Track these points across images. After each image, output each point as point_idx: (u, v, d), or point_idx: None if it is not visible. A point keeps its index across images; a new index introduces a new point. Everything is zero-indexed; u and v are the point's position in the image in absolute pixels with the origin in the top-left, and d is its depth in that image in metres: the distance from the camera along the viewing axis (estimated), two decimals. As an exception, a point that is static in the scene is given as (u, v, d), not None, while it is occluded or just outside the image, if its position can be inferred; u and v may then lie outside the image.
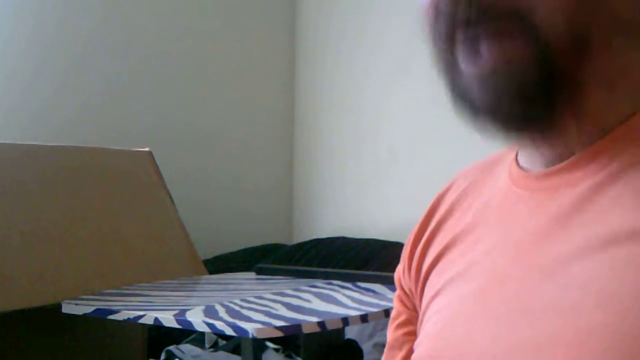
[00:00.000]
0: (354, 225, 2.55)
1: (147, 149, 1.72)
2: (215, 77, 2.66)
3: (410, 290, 0.67)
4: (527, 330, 0.48)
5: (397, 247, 2.40)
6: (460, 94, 0.52)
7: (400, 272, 0.69)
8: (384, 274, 1.35)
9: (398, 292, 0.69)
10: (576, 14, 0.47)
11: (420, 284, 0.64)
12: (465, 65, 0.50)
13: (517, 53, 0.48)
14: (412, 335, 0.65)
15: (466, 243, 0.59)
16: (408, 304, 0.67)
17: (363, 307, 1.08)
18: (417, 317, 0.65)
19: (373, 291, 1.24)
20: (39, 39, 2.23)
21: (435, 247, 0.63)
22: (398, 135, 2.47)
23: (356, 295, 1.20)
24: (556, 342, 0.45)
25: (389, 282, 1.30)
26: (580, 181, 0.50)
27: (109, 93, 2.37)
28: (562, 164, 0.52)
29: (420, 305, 0.64)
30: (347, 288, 1.28)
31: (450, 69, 0.52)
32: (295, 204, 2.87)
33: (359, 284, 1.31)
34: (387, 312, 1.08)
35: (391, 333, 0.69)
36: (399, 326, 0.68)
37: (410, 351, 0.64)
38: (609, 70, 0.49)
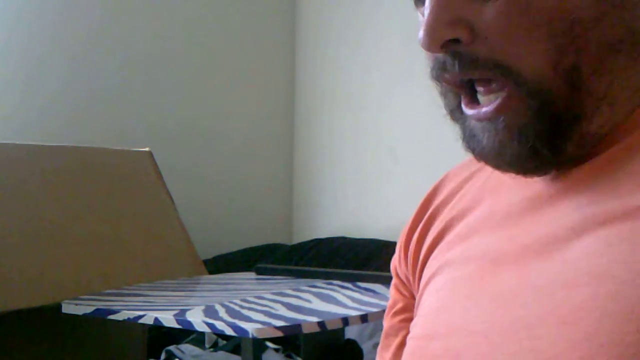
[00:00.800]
0: (354, 225, 2.55)
1: (147, 149, 1.72)
2: (215, 76, 2.66)
3: (406, 277, 0.67)
4: (519, 309, 0.48)
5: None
6: (467, 137, 0.52)
7: (395, 261, 0.69)
8: (384, 274, 1.35)
9: (394, 280, 0.69)
10: (561, 61, 0.47)
11: (418, 269, 0.64)
12: (467, 111, 0.51)
13: (510, 101, 0.48)
14: (409, 322, 0.65)
15: (462, 225, 0.60)
16: (405, 292, 0.68)
17: (363, 307, 1.08)
18: (412, 304, 0.65)
19: (373, 291, 1.24)
20: (39, 39, 2.23)
21: (432, 232, 0.63)
22: (398, 136, 2.47)
23: (356, 295, 1.20)
24: (548, 320, 0.45)
25: (389, 282, 1.30)
26: (578, 166, 0.50)
27: (109, 93, 2.37)
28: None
29: (417, 290, 0.64)
30: (347, 288, 1.28)
31: (455, 114, 0.53)
32: (295, 204, 2.87)
33: (359, 284, 1.31)
34: (387, 312, 1.08)
35: (387, 321, 0.69)
36: (395, 314, 0.68)
37: (405, 337, 0.64)
38: (607, 91, 0.48)
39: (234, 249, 2.51)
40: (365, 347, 1.69)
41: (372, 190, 2.56)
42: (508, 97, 0.48)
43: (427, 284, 0.61)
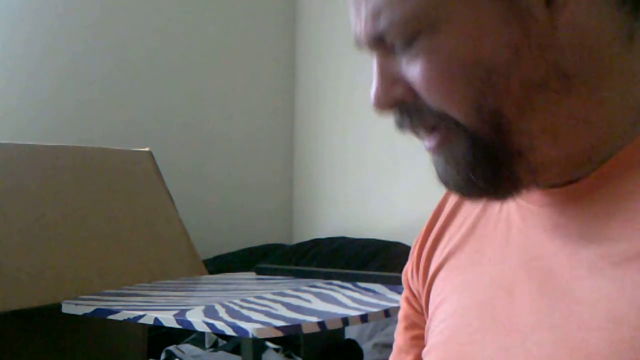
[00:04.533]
0: (354, 225, 2.55)
1: (147, 149, 1.72)
2: (215, 76, 2.66)
3: (417, 292, 0.67)
4: (536, 349, 0.48)
5: (397, 247, 2.39)
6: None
7: (408, 273, 0.68)
8: (384, 274, 1.35)
9: (406, 292, 0.69)
10: (483, 105, 0.49)
11: (426, 287, 0.64)
12: (424, 145, 0.55)
13: (446, 139, 0.51)
14: (420, 339, 0.65)
15: (472, 251, 0.59)
16: (416, 306, 0.67)
17: (363, 307, 1.08)
18: (424, 320, 0.65)
19: (373, 291, 1.24)
20: (39, 38, 2.23)
21: (440, 250, 0.63)
22: (399, 135, 2.46)
23: (356, 295, 1.20)
24: None
25: (389, 282, 1.30)
26: (591, 198, 0.50)
27: (109, 92, 2.37)
28: (574, 185, 0.52)
29: (426, 308, 0.64)
30: (347, 288, 1.28)
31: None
32: (295, 204, 2.87)
33: (359, 284, 1.31)
34: (387, 312, 1.08)
35: (399, 334, 0.69)
36: (407, 329, 0.68)
37: (418, 356, 0.64)
38: (544, 126, 0.49)
39: (234, 249, 2.51)
40: (365, 347, 1.69)
41: (373, 190, 2.56)
42: (445, 135, 0.51)
43: (436, 308, 0.61)
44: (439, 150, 0.52)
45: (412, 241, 0.68)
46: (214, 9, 2.65)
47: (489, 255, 0.57)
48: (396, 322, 0.71)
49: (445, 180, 0.54)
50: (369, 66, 0.57)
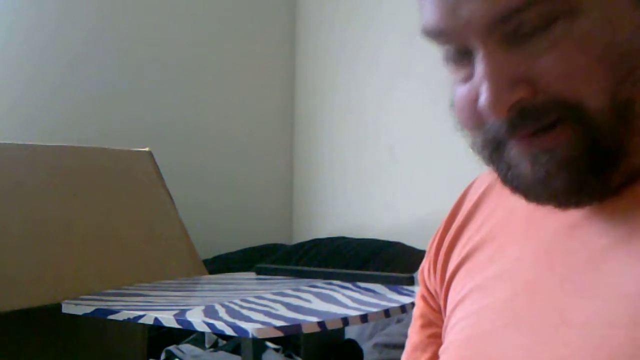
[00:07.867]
0: (354, 225, 2.55)
1: (147, 149, 1.72)
2: (215, 76, 2.65)
3: (435, 290, 0.66)
4: (562, 348, 0.48)
5: (397, 247, 2.39)
6: (506, 169, 0.52)
7: (425, 272, 0.68)
8: (384, 274, 1.35)
9: (422, 291, 0.69)
10: (619, 94, 0.47)
11: (445, 286, 0.64)
12: (516, 151, 0.50)
13: (567, 137, 0.48)
14: (437, 337, 0.65)
15: (492, 249, 0.59)
16: (433, 304, 0.67)
17: (363, 307, 1.08)
18: (441, 319, 0.65)
19: (373, 291, 1.24)
20: (38, 38, 2.23)
21: (459, 249, 0.63)
22: (398, 135, 2.47)
23: (356, 295, 1.20)
24: None
25: (389, 282, 1.30)
26: (616, 197, 0.50)
27: (109, 93, 2.37)
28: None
29: (445, 307, 0.64)
30: (347, 288, 1.28)
31: (494, 155, 0.52)
32: (295, 204, 2.87)
33: (359, 284, 1.31)
34: (387, 312, 1.08)
35: (415, 333, 0.68)
36: (424, 327, 0.67)
37: (435, 354, 0.64)
38: None
39: (234, 249, 2.51)
40: (365, 347, 1.69)
41: (372, 190, 2.56)
42: (564, 130, 0.48)
43: (455, 306, 0.60)
44: (551, 149, 0.48)
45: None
46: (213, 9, 2.65)
47: (509, 252, 0.57)
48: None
49: (543, 182, 0.49)
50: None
